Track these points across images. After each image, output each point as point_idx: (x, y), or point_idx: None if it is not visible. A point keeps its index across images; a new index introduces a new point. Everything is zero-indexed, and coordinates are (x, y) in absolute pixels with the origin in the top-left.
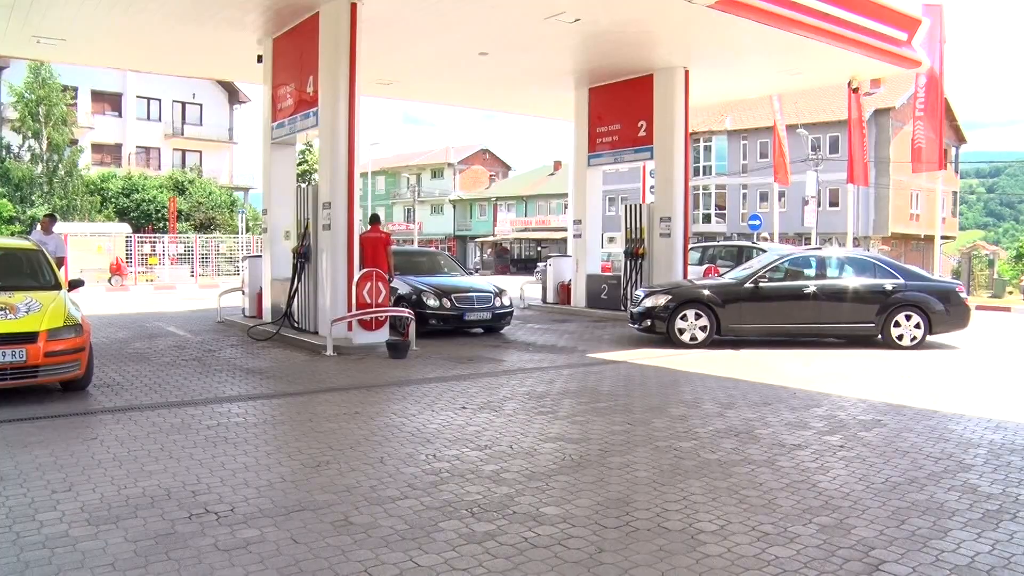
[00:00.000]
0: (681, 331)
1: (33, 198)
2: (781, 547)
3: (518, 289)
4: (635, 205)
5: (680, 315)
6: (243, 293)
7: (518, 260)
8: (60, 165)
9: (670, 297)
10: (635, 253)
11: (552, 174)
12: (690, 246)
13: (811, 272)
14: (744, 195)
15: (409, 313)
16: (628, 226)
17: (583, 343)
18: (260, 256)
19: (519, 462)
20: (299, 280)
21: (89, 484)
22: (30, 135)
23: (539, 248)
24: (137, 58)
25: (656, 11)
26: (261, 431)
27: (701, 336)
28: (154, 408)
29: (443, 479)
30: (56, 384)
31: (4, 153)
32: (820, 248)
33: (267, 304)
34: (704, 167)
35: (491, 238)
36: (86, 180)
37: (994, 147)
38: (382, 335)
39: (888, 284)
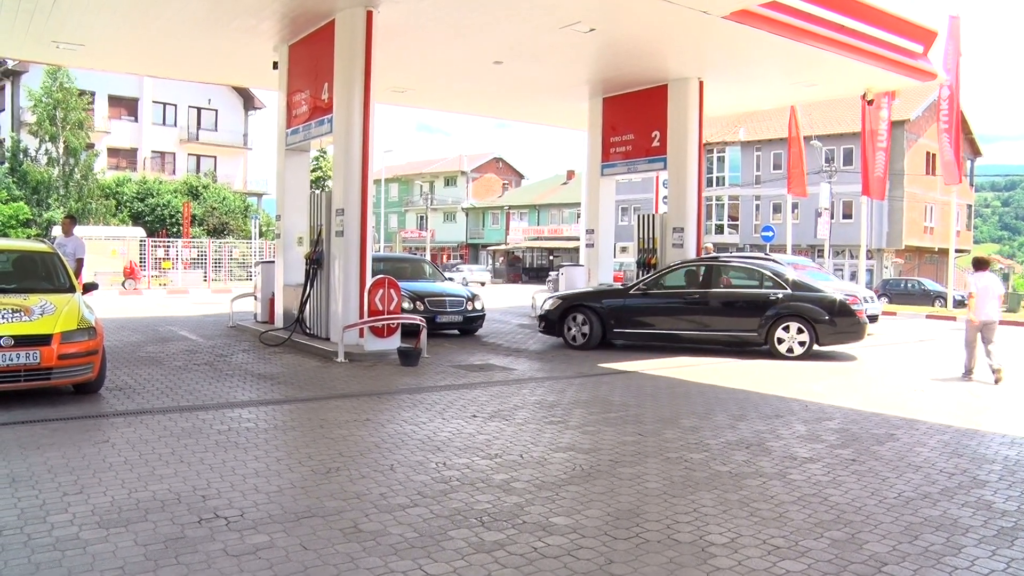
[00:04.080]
0: (570, 331)
1: (49, 201)
2: (792, 561)
3: (530, 298)
4: (648, 215)
5: (570, 318)
6: (255, 298)
7: (530, 269)
8: (76, 169)
9: (561, 301)
10: (647, 263)
11: (565, 183)
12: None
13: (700, 280)
14: (757, 206)
15: (421, 321)
16: (640, 236)
17: (595, 352)
18: (273, 262)
19: (529, 471)
20: (311, 286)
21: (100, 487)
22: (47, 139)
23: (551, 257)
24: (154, 64)
25: (671, 22)
26: (272, 436)
27: (581, 340)
28: (165, 412)
29: (453, 487)
30: (69, 386)
31: (22, 156)
32: (717, 257)
33: (279, 310)
34: (717, 178)
35: (503, 246)
36: (101, 184)
37: (1010, 160)
38: (393, 342)
39: (773, 294)
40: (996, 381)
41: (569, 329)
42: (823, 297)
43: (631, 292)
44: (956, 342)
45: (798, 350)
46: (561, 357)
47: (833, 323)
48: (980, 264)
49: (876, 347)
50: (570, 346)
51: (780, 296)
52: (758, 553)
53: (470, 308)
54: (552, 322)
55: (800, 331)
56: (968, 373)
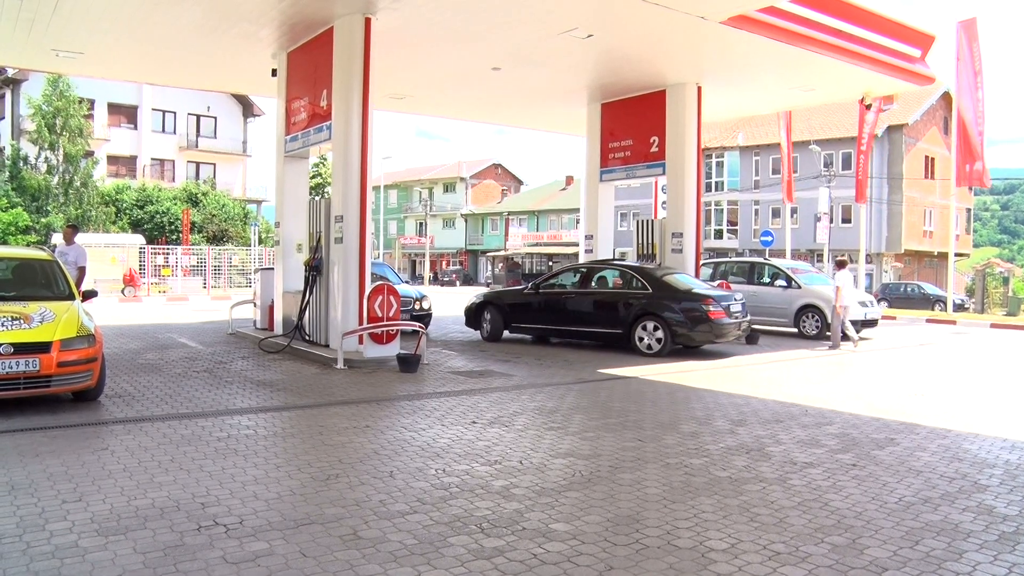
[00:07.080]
0: (483, 325)
1: (48, 208)
2: (792, 567)
3: None
4: (647, 221)
5: (483, 313)
6: (255, 305)
7: (529, 275)
8: (75, 176)
9: (477, 300)
10: None
11: (564, 189)
12: (702, 262)
13: (580, 281)
14: (756, 211)
15: (421, 327)
16: (640, 241)
17: (594, 358)
18: (272, 268)
19: (529, 478)
20: (311, 293)
21: (99, 494)
22: (46, 146)
23: (550, 263)
24: (154, 71)
25: (669, 27)
26: (271, 443)
27: (487, 332)
28: (165, 419)
29: (453, 494)
30: (68, 394)
31: (21, 164)
32: (611, 261)
33: (279, 316)
34: (716, 183)
35: (503, 252)
36: (101, 191)
37: (1008, 164)
38: (393, 349)
39: (636, 295)
40: (831, 348)
41: (482, 323)
42: (681, 299)
43: (525, 292)
44: (957, 347)
45: (655, 347)
46: (560, 362)
47: (687, 324)
48: (840, 264)
49: (874, 352)
50: (484, 339)
51: (643, 297)
52: (758, 559)
53: (417, 308)
54: (470, 317)
55: (657, 329)
56: (836, 345)
